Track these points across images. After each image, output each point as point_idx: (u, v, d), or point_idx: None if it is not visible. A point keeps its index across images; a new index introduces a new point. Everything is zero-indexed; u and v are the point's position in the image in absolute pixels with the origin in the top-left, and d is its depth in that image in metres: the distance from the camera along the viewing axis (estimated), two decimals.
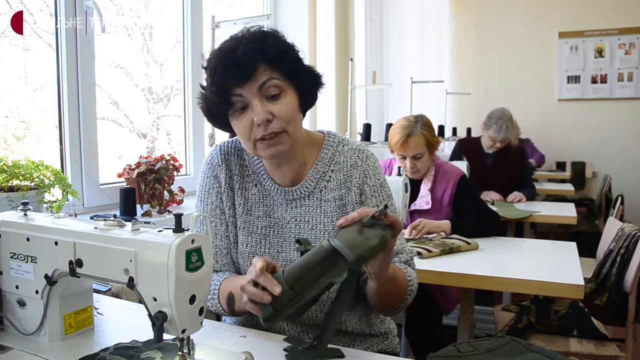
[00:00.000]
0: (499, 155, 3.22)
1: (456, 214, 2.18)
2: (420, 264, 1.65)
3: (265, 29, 1.02)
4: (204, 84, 1.04)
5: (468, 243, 1.85)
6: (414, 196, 2.21)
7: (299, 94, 1.04)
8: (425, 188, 2.23)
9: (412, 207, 2.19)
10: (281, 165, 1.10)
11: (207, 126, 2.18)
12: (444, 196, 2.19)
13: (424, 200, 2.21)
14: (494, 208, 2.57)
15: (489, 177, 3.20)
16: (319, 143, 1.14)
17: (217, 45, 1.05)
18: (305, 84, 1.05)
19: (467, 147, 3.37)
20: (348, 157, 1.12)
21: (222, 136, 2.01)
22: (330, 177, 1.12)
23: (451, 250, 1.79)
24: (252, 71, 0.97)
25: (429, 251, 1.73)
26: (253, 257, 1.11)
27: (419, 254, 1.73)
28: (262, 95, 0.98)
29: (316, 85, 1.08)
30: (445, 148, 4.68)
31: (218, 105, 1.00)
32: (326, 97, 2.98)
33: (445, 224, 2.04)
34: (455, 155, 3.37)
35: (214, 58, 1.00)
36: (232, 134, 1.10)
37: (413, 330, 1.97)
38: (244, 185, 1.14)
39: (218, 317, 1.27)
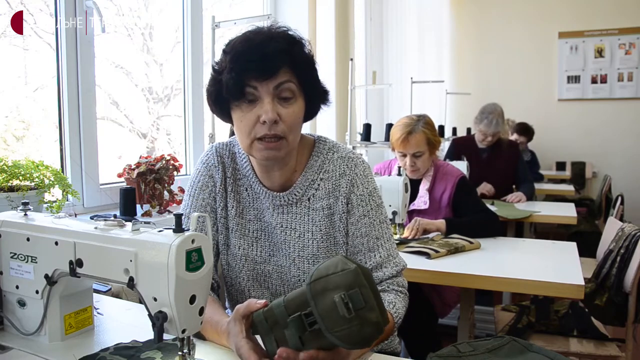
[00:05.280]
0: (493, 149, 3.26)
1: (456, 215, 2.18)
2: (421, 264, 1.65)
3: (294, 33, 1.02)
4: (217, 67, 1.02)
5: (471, 242, 1.86)
6: (413, 196, 2.21)
7: (306, 104, 1.05)
8: (423, 188, 2.22)
9: (411, 207, 2.18)
10: (271, 169, 1.09)
11: (207, 126, 2.18)
12: (442, 197, 2.19)
13: (422, 200, 2.20)
14: (493, 208, 2.57)
15: (484, 171, 3.23)
16: (310, 148, 1.14)
17: (240, 34, 1.03)
18: (315, 97, 1.07)
19: (462, 144, 3.40)
20: (337, 166, 1.11)
21: (222, 136, 2.01)
22: (319, 185, 1.11)
23: (456, 250, 1.79)
24: (276, 70, 0.97)
25: (437, 251, 1.74)
26: (245, 260, 1.11)
27: (427, 255, 1.73)
28: (274, 95, 0.99)
29: (323, 101, 1.09)
30: (446, 147, 4.68)
31: (229, 91, 0.99)
32: None
33: (441, 222, 2.04)
34: (450, 154, 3.39)
35: (241, 45, 0.98)
36: (230, 123, 1.09)
37: (407, 332, 1.97)
38: (236, 188, 1.14)
39: None
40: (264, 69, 0.96)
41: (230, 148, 1.17)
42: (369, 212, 1.10)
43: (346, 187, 1.10)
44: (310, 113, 1.08)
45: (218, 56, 1.06)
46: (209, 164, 1.15)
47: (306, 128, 2.56)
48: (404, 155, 2.20)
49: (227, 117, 1.06)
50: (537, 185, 4.40)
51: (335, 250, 1.10)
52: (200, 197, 1.13)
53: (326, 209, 1.10)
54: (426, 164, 2.22)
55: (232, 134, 1.91)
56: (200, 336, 0.94)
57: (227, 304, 1.23)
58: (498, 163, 3.26)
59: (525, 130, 4.59)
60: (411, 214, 2.18)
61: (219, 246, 1.15)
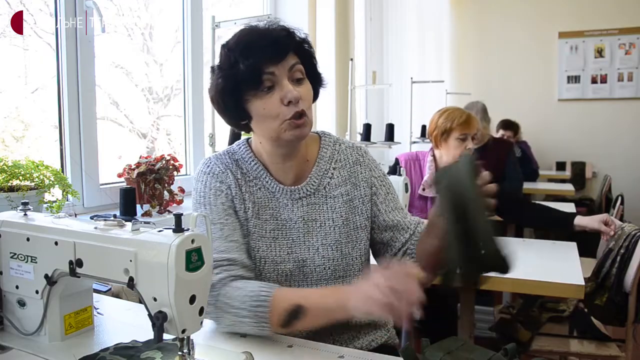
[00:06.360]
0: (483, 149, 3.25)
1: None
2: None
3: (284, 24, 1.07)
4: (224, 64, 1.04)
5: None
6: None
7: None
8: None
9: None
10: (287, 159, 1.11)
11: (207, 126, 2.18)
12: None
13: None
14: None
15: None
16: (317, 141, 1.19)
17: (229, 37, 1.06)
18: (315, 80, 1.11)
19: None
20: (348, 155, 1.18)
21: (222, 135, 2.01)
22: (332, 174, 1.15)
23: None
24: (286, 52, 1.02)
25: None
26: (265, 262, 1.09)
27: None
28: (290, 77, 1.03)
29: (320, 84, 1.14)
30: None
31: (247, 81, 1.00)
32: (326, 97, 2.98)
33: None
34: None
35: (246, 36, 1.03)
36: (238, 124, 1.09)
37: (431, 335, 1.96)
38: (249, 189, 1.12)
39: None
40: (278, 52, 1.01)
41: (230, 156, 1.15)
42: (389, 189, 1.21)
43: (365, 173, 1.18)
44: (313, 95, 1.12)
45: (218, 56, 1.06)
46: (215, 172, 1.11)
47: None
48: (464, 140, 2.11)
49: (239, 114, 1.06)
50: (535, 184, 4.42)
51: (356, 235, 1.14)
52: (219, 202, 1.09)
53: (345, 195, 1.14)
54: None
55: (232, 138, 1.89)
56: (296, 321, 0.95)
57: None
58: (489, 162, 3.24)
59: (509, 125, 4.58)
60: None
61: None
